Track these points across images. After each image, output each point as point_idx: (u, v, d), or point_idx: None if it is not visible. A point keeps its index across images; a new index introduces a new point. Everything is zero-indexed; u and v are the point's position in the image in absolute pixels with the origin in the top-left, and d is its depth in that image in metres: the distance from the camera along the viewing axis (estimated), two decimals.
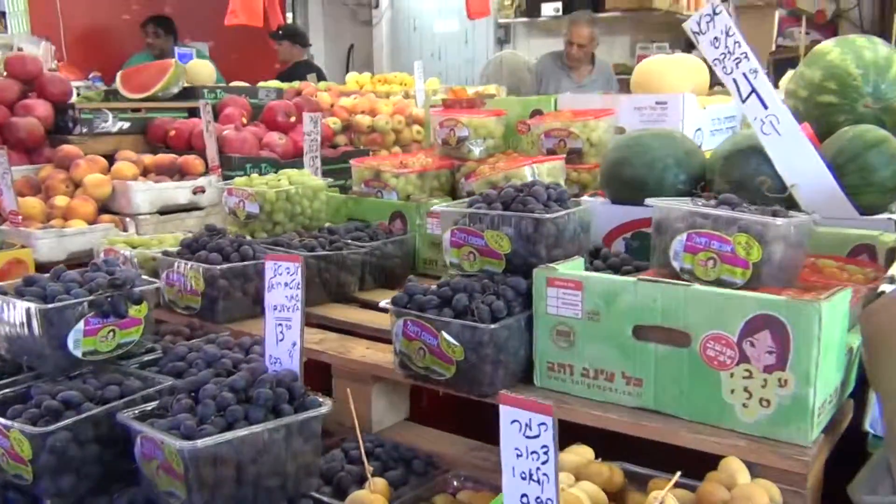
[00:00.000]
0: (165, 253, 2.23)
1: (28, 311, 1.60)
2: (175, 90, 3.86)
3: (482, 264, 1.77)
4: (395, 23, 9.45)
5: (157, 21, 6.70)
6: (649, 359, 1.50)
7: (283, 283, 1.53)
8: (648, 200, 1.75)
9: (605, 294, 1.53)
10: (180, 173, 3.41)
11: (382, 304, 1.75)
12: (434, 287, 1.70)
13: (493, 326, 1.56)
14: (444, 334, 1.58)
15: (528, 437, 1.01)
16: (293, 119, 3.85)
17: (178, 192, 3.28)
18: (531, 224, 1.71)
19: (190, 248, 2.19)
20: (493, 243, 1.74)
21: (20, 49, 5.87)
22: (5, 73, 3.51)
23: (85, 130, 3.48)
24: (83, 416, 1.45)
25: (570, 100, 3.11)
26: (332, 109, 4.28)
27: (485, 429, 1.48)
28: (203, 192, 3.36)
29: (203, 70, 4.23)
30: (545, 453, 1.00)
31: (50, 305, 1.59)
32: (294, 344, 1.53)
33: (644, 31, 8.26)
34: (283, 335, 1.55)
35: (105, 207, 3.21)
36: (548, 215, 1.71)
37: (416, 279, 1.79)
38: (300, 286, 1.52)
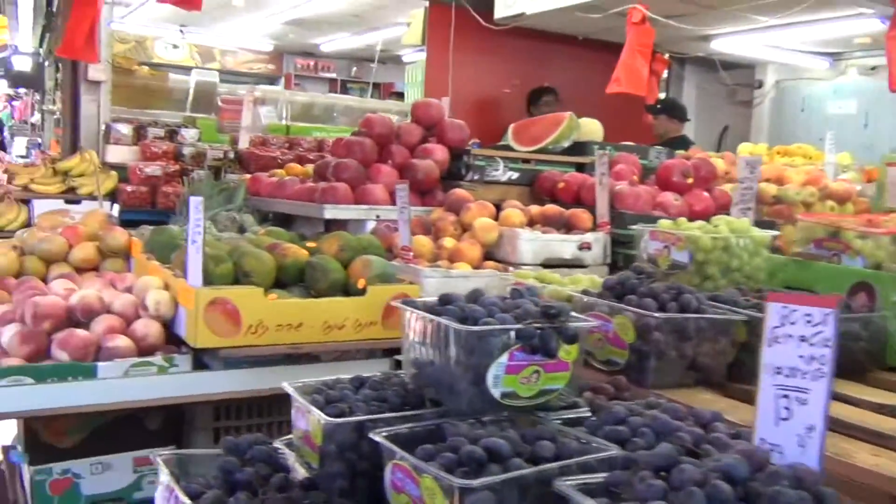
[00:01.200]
0: (585, 292, 1.88)
1: (448, 332, 1.32)
2: (566, 144, 3.65)
3: None
4: (780, 104, 8.70)
5: (549, 91, 6.83)
6: None
7: (799, 336, 1.07)
8: None
9: None
10: (567, 227, 3.13)
11: None
12: None
13: None
14: None
15: None
16: (690, 180, 3.42)
17: (565, 245, 2.99)
18: None
19: (613, 292, 1.82)
20: None
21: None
22: (410, 119, 3.57)
23: (476, 177, 3.38)
24: (513, 474, 1.10)
25: None
26: (727, 177, 3.78)
27: None
28: (589, 248, 3.03)
29: (593, 127, 4.01)
30: None
31: (475, 328, 1.29)
32: (811, 429, 1.05)
33: None
34: (791, 412, 1.07)
35: (489, 254, 3.03)
36: None
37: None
38: (831, 344, 1.04)
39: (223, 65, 14.83)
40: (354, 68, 16.09)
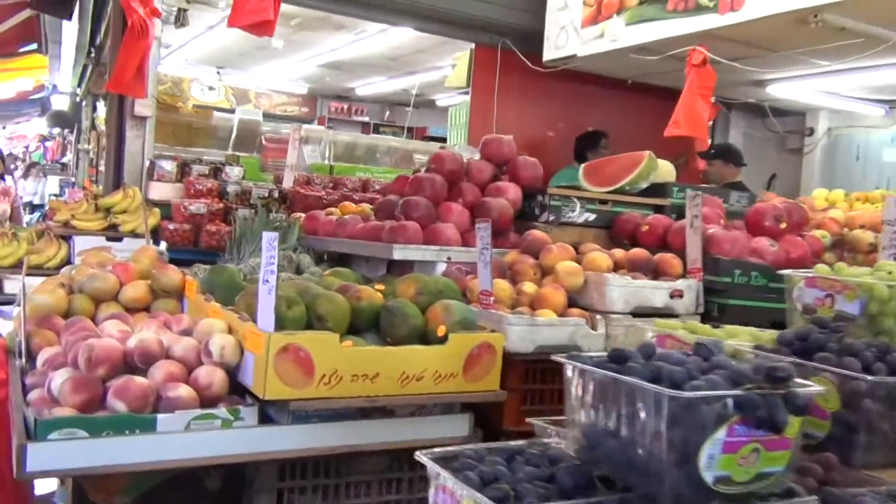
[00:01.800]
0: (759, 348, 1.61)
1: (645, 398, 1.07)
2: (643, 185, 3.42)
3: None
4: (832, 151, 8.44)
5: (604, 134, 6.66)
6: None
7: None
8: None
9: None
10: (654, 273, 2.89)
11: None
12: None
13: None
14: None
15: None
16: (783, 225, 3.17)
17: (656, 292, 2.74)
18: None
19: (792, 348, 1.55)
20: None
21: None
22: (480, 156, 3.37)
23: (552, 218, 3.15)
24: None
25: None
26: (818, 221, 3.53)
27: None
28: (681, 296, 2.78)
29: (665, 169, 3.78)
30: None
31: (686, 394, 1.03)
32: None
33: None
34: None
35: (570, 300, 2.78)
36: None
37: None
38: None
39: (257, 106, 14.85)
40: (388, 112, 16.07)
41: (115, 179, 5.41)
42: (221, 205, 5.18)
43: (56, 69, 12.31)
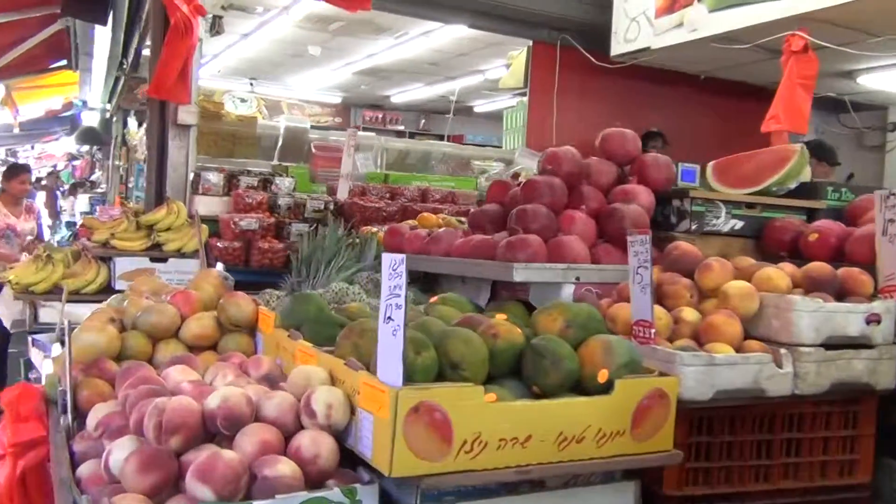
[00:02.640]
0: None
1: None
2: (792, 185, 2.86)
3: None
4: None
5: (655, 135, 6.13)
6: None
7: None
8: None
9: None
10: (837, 293, 2.32)
11: None
12: None
13: None
14: None
15: None
16: None
17: (850, 318, 2.19)
18: None
19: None
20: None
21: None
22: (600, 154, 2.83)
23: (694, 226, 2.61)
24: None
25: None
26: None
27: None
28: (878, 321, 2.22)
29: None
30: None
31: None
32: None
33: None
34: None
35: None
36: None
37: None
38: None
39: None
40: (423, 120, 15.61)
41: (157, 194, 4.94)
42: (273, 219, 4.70)
43: (86, 84, 11.98)
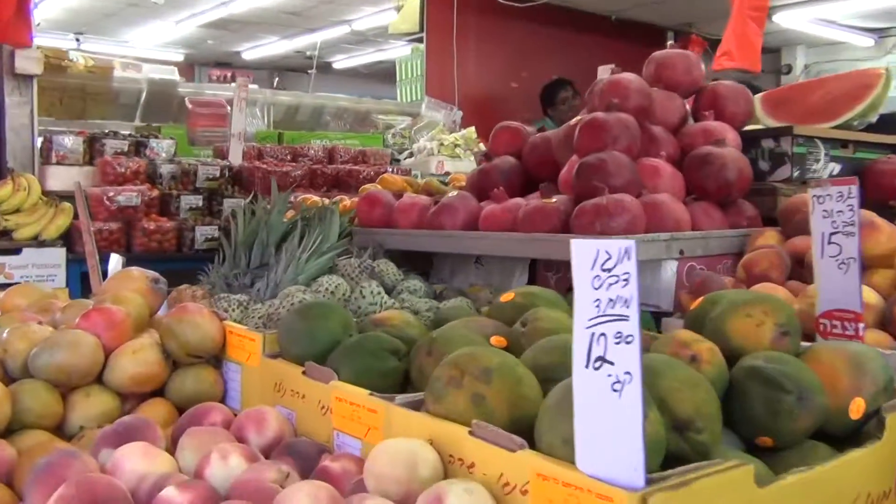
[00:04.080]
0: None
1: None
2: (873, 119, 2.32)
3: None
4: None
5: (563, 84, 5.57)
6: None
7: None
8: None
9: None
10: None
11: None
12: None
13: None
14: None
15: None
16: None
17: None
18: None
19: None
20: None
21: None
22: (649, 80, 2.13)
23: (797, 173, 1.99)
24: None
25: None
26: None
27: None
28: None
29: None
30: None
31: None
32: None
33: None
34: None
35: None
36: None
37: None
38: None
39: None
40: (277, 78, 14.35)
41: None
42: (156, 192, 3.71)
43: None
